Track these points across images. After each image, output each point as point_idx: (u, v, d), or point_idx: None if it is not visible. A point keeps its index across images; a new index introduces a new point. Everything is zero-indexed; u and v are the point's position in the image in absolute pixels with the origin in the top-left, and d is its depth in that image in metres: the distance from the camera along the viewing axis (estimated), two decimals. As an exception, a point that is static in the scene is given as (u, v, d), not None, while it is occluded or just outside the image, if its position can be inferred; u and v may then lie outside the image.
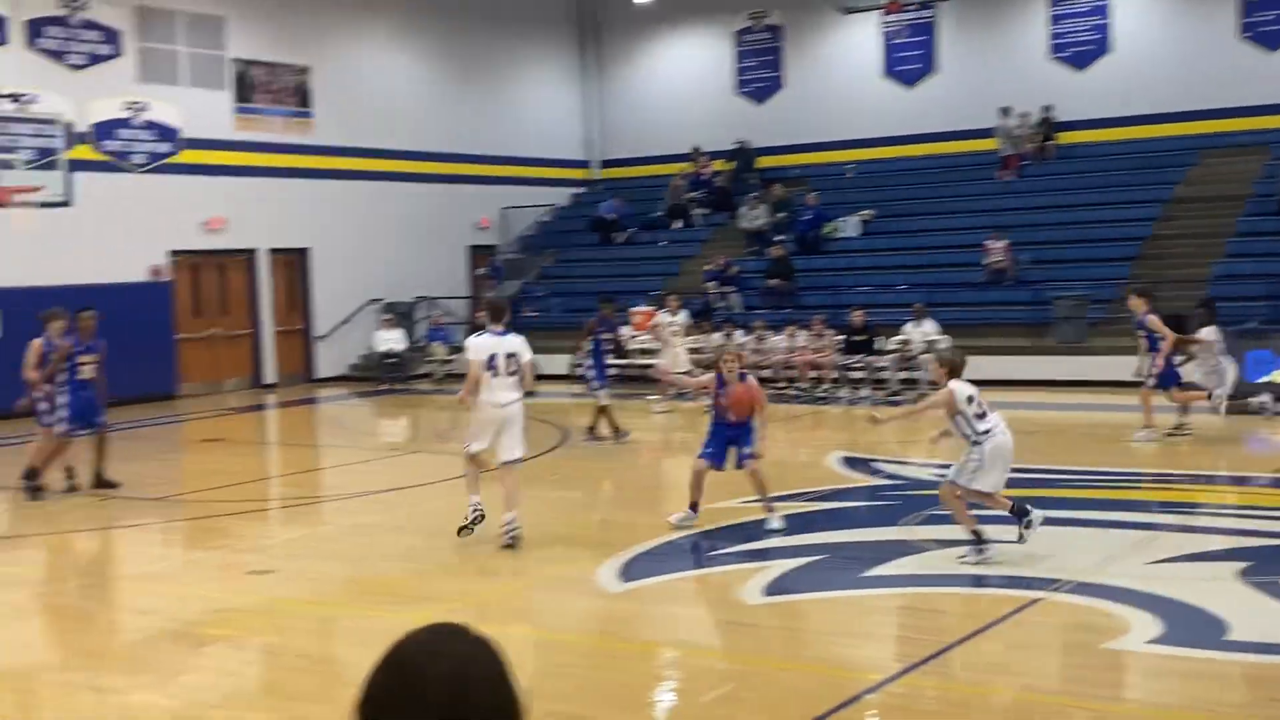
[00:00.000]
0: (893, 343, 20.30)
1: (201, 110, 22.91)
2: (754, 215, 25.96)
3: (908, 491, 12.22)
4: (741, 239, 25.90)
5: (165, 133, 22.44)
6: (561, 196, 30.09)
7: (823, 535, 10.37)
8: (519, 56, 29.30)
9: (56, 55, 21.00)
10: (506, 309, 10.78)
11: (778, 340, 21.03)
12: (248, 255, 23.95)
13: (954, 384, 9.31)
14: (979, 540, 9.19)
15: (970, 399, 9.28)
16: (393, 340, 24.43)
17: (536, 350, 25.79)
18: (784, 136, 28.13)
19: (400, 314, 25.13)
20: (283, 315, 24.59)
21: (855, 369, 20.17)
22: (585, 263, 27.12)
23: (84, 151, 20.73)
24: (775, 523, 10.34)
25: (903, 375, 19.92)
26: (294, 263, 24.80)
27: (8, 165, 16.50)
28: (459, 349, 24.75)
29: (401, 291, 25.57)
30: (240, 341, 24.07)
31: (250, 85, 23.90)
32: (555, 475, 14.13)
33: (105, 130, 21.56)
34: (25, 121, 18.68)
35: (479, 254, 28.12)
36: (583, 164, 30.94)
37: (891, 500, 11.79)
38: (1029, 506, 9.37)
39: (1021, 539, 9.24)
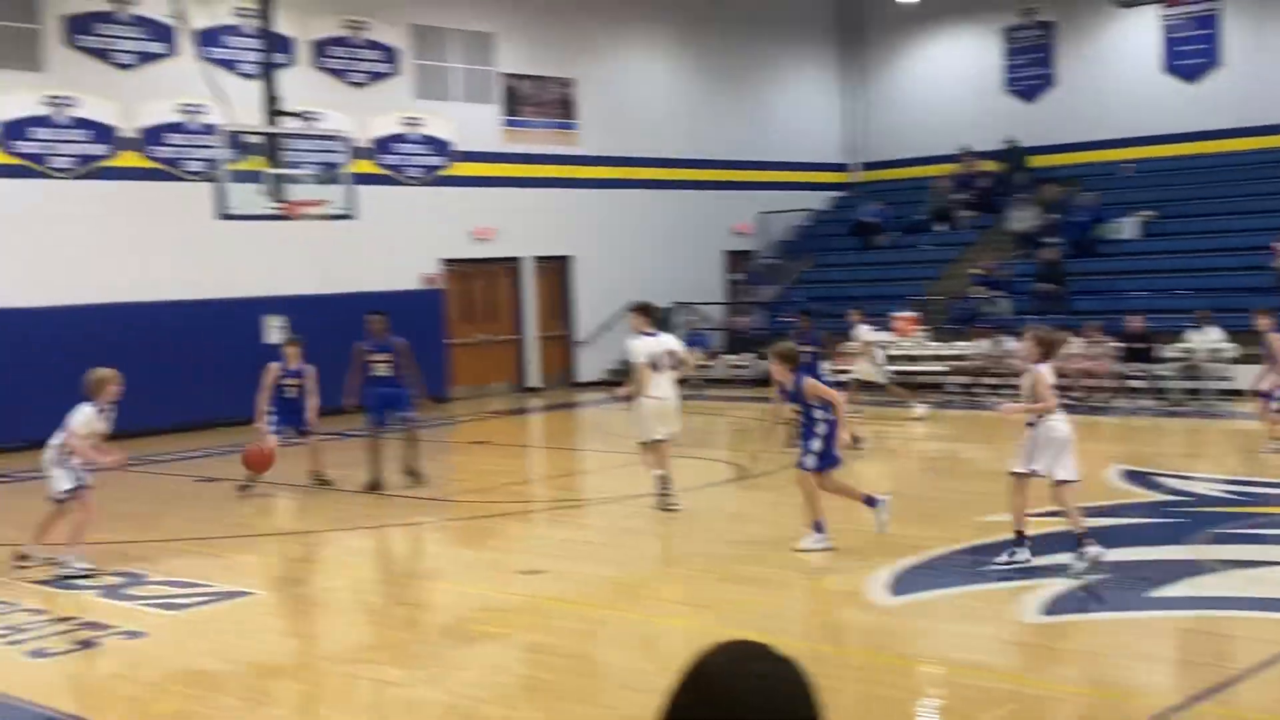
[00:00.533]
0: (1174, 350, 19.27)
1: (472, 124, 23.72)
2: (1023, 217, 25.10)
3: (1193, 508, 11.55)
4: (1009, 241, 25.09)
5: (439, 146, 23.34)
6: (820, 200, 29.81)
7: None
8: (778, 61, 29.21)
9: (339, 74, 22.11)
10: (657, 311, 12.70)
11: (1049, 347, 20.22)
12: (514, 263, 24.64)
13: (1043, 367, 9.31)
14: (1020, 541, 9.29)
15: (1053, 387, 9.34)
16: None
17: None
18: (1056, 135, 27.11)
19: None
20: (546, 321, 25.20)
21: (1134, 378, 19.23)
22: (844, 267, 26.79)
23: (365, 166, 21.71)
24: (808, 542, 9.97)
25: (1186, 385, 18.85)
26: (557, 270, 25.37)
27: (295, 180, 17.38)
28: (716, 353, 24.99)
29: (659, 297, 25.65)
30: (506, 347, 24.80)
31: (518, 99, 24.59)
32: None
33: (384, 145, 22.58)
34: (311, 138, 19.68)
35: (735, 258, 28.15)
36: (842, 167, 30.59)
37: (1175, 517, 11.14)
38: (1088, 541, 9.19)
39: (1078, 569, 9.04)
